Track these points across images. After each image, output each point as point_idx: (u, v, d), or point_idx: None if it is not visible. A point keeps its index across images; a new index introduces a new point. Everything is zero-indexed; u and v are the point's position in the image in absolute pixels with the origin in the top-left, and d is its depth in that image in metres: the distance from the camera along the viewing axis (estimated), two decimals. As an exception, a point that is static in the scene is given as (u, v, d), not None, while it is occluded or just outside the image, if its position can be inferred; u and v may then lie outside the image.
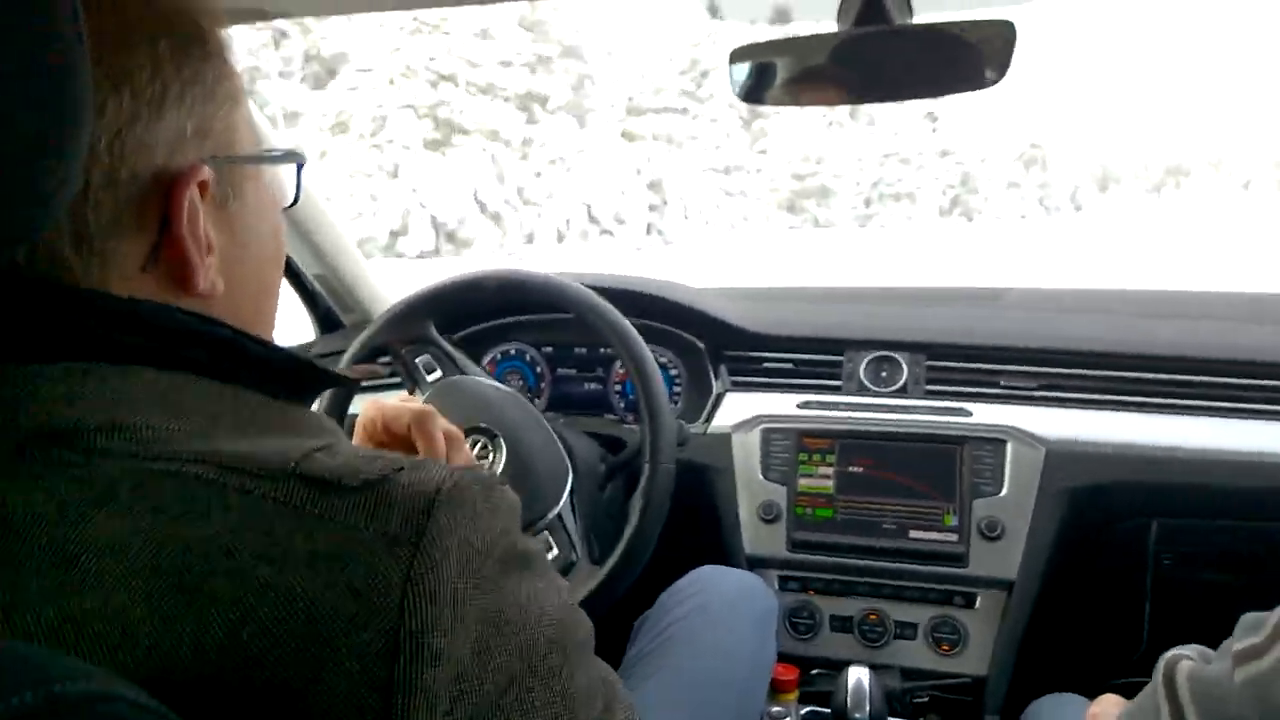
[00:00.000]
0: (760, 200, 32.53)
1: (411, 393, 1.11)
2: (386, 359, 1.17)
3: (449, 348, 1.15)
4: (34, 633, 0.35)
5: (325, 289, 1.55)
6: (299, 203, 0.59)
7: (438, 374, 1.11)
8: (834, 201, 34.76)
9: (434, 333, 1.15)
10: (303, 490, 0.39)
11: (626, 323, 1.08)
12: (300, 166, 0.57)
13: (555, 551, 1.00)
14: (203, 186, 0.44)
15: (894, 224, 34.87)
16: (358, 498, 0.39)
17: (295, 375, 0.48)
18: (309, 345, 1.59)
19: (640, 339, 1.08)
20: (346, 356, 1.15)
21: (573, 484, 1.06)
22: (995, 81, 0.86)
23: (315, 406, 1.25)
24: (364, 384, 1.44)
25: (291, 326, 1.63)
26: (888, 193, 36.38)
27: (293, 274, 1.50)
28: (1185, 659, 0.58)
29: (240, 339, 0.46)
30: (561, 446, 1.09)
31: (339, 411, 1.15)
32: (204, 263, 0.45)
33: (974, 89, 0.88)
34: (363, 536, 0.38)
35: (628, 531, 1.02)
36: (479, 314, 1.49)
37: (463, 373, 1.13)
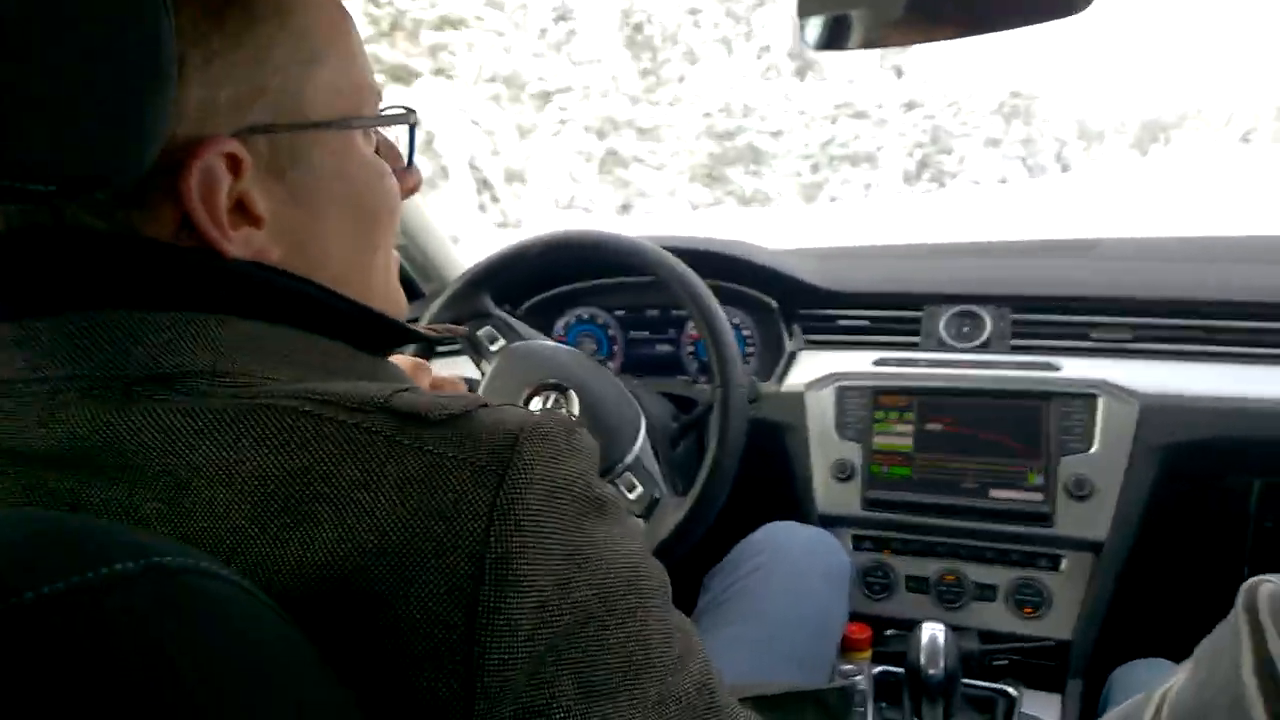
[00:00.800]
0: (666, 169, 23.39)
1: (478, 365, 1.13)
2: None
3: (507, 318, 1.17)
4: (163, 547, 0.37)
5: (405, 258, 1.58)
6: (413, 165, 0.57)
7: (500, 343, 1.13)
8: (769, 168, 25.86)
9: (491, 305, 1.17)
10: (392, 422, 0.41)
11: (693, 275, 1.07)
12: (413, 129, 0.56)
13: (639, 489, 1.02)
14: (233, 159, 0.44)
15: (848, 194, 26.23)
16: (444, 430, 0.41)
17: (378, 330, 0.50)
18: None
19: (708, 292, 1.07)
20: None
21: (646, 427, 1.07)
22: (1081, 8, 0.81)
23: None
24: (440, 350, 1.48)
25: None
26: (840, 154, 27.52)
27: None
28: (1268, 582, 0.55)
29: (328, 296, 0.47)
30: (631, 396, 1.10)
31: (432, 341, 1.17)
32: (229, 236, 0.44)
33: (1066, 14, 0.83)
34: (450, 465, 0.40)
35: (706, 461, 1.02)
36: (549, 280, 1.50)
37: (523, 339, 1.14)
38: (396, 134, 0.58)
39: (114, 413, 0.40)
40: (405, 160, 0.56)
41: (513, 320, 1.18)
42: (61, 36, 0.35)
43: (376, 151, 0.53)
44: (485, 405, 0.43)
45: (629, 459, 1.02)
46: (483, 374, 1.11)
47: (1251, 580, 0.53)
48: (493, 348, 1.13)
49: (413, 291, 1.64)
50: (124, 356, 0.42)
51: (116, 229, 0.43)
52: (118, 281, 0.43)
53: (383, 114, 0.53)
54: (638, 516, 1.01)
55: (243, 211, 0.45)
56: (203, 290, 0.44)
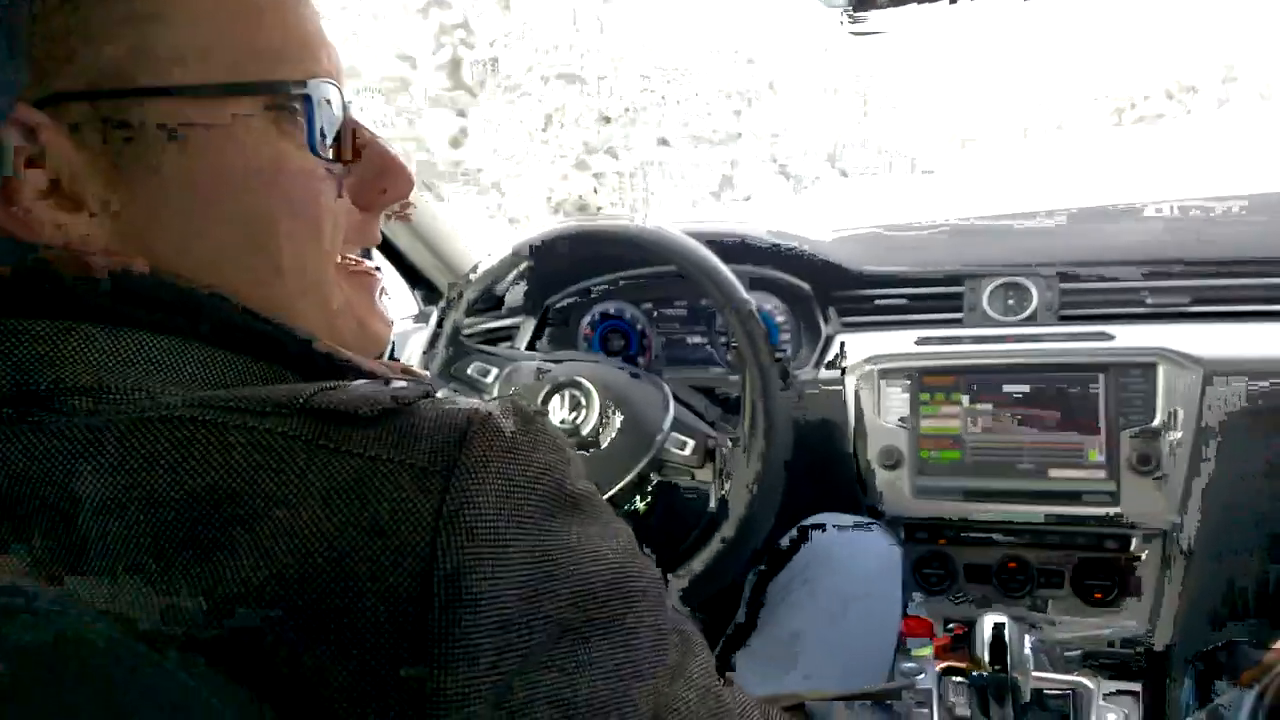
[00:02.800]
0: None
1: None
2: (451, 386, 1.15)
3: (485, 348, 1.16)
4: (41, 593, 0.33)
5: (417, 261, 1.55)
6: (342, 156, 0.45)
7: (495, 372, 1.11)
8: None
9: (466, 340, 1.15)
10: (314, 424, 0.35)
11: (714, 260, 1.02)
12: (308, 101, 0.42)
13: (690, 443, 1.00)
14: (30, 131, 0.37)
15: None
16: (378, 429, 0.35)
17: (306, 363, 0.42)
18: (405, 322, 1.60)
19: (730, 275, 1.02)
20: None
21: (675, 395, 1.05)
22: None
23: None
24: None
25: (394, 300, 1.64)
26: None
27: (387, 247, 1.51)
28: None
29: (246, 316, 0.41)
30: (649, 374, 1.09)
31: None
32: (30, 213, 0.38)
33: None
34: (385, 468, 0.34)
35: (758, 424, 0.98)
36: (572, 276, 1.46)
37: (511, 361, 1.12)
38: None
39: None
40: (391, 176, 0.47)
41: (494, 349, 1.17)
42: None
43: (338, 149, 0.45)
44: (429, 396, 0.38)
45: (667, 423, 1.01)
46: None
47: None
48: (488, 380, 1.10)
49: (434, 293, 1.60)
50: None
51: None
52: None
53: (266, 81, 0.41)
54: (699, 469, 0.99)
55: (60, 192, 0.39)
56: (88, 295, 0.38)
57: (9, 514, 0.34)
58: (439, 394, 0.39)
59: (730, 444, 1.00)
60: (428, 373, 1.10)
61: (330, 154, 0.44)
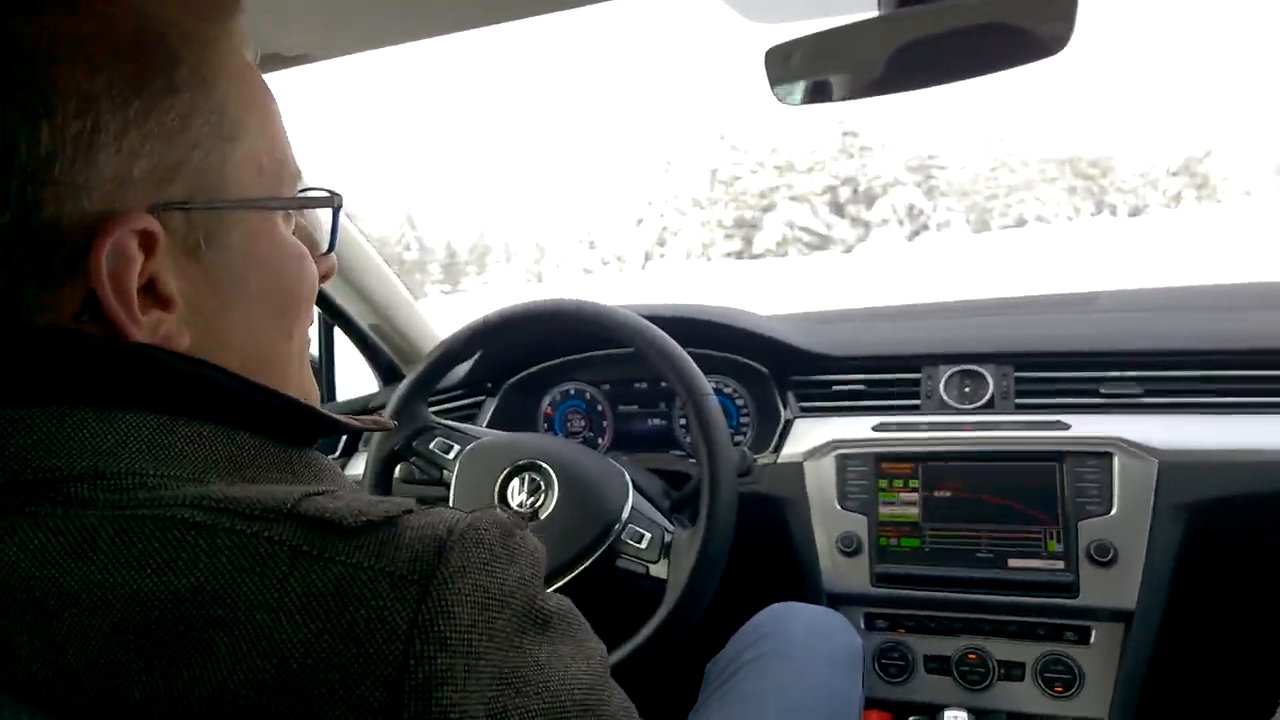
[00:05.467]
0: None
1: (439, 479, 1.08)
2: (410, 459, 1.12)
3: (453, 424, 1.13)
4: (25, 689, 0.33)
5: (382, 339, 1.54)
6: (335, 250, 0.54)
7: (455, 449, 1.08)
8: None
9: (429, 416, 1.13)
10: (299, 530, 0.35)
11: (670, 342, 1.02)
12: (336, 211, 0.51)
13: (648, 536, 0.97)
14: (148, 236, 0.39)
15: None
16: (361, 539, 0.36)
17: (292, 418, 0.44)
18: (371, 397, 1.58)
19: (685, 358, 1.01)
20: (367, 472, 1.12)
21: (633, 481, 1.03)
22: (1061, 46, 0.78)
23: (360, 468, 1.23)
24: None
25: (355, 380, 1.63)
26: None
27: (349, 327, 1.50)
28: None
29: (230, 380, 0.42)
30: (611, 460, 1.06)
31: (385, 476, 1.11)
32: (137, 321, 0.40)
33: (1039, 57, 0.80)
34: (365, 576, 0.34)
35: (701, 517, 0.96)
36: (531, 356, 1.45)
37: (474, 439, 1.10)
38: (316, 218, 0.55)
39: None
40: (325, 245, 0.53)
41: (459, 425, 1.14)
42: None
43: (295, 234, 0.50)
44: (412, 511, 0.38)
45: (625, 514, 0.98)
46: (447, 485, 1.05)
47: None
48: (449, 456, 1.08)
49: (394, 374, 1.59)
50: None
51: (4, 312, 0.38)
52: None
53: (304, 195, 0.50)
54: (654, 563, 0.96)
55: (153, 293, 0.41)
56: (80, 379, 0.38)
57: (2, 606, 0.34)
58: (424, 506, 0.40)
59: (683, 531, 0.98)
60: (394, 422, 1.08)
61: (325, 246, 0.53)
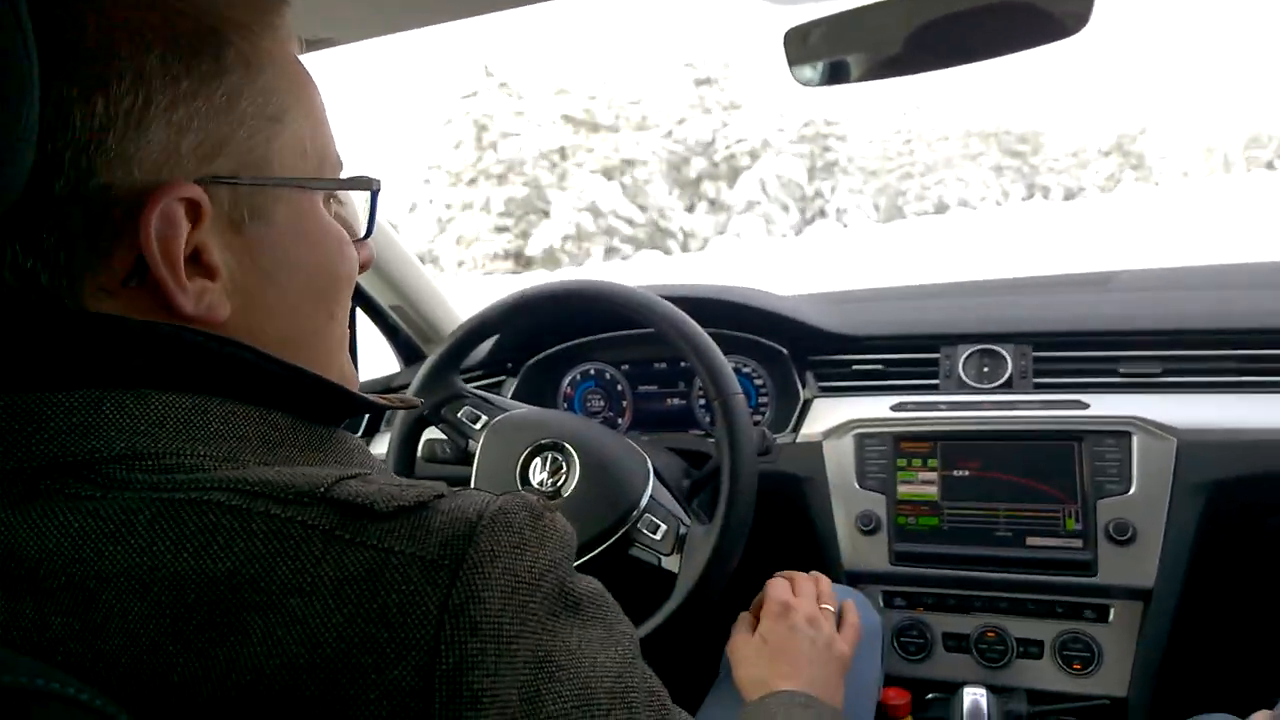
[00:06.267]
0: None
1: (464, 447, 1.09)
2: (438, 425, 1.13)
3: (484, 394, 1.14)
4: (65, 672, 0.33)
5: (403, 320, 1.55)
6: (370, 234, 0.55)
7: (484, 419, 1.09)
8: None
9: (461, 385, 1.13)
10: (332, 515, 0.36)
11: (691, 323, 1.03)
12: (374, 195, 0.53)
13: (663, 528, 0.97)
14: (194, 205, 0.41)
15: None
16: (393, 523, 0.36)
17: (324, 398, 0.46)
18: (392, 378, 1.60)
19: (706, 338, 1.01)
20: (392, 444, 1.13)
21: (654, 468, 1.02)
22: (1081, 25, 0.78)
23: (384, 445, 1.24)
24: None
25: (376, 360, 1.64)
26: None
27: (370, 307, 1.51)
28: None
29: (263, 360, 0.43)
30: (634, 445, 1.06)
31: (409, 445, 1.13)
32: (183, 286, 0.41)
33: (1059, 37, 0.80)
34: (396, 560, 0.35)
35: (720, 505, 0.96)
36: (551, 337, 1.46)
37: (503, 410, 1.11)
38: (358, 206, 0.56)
39: (13, 513, 0.36)
40: (363, 231, 0.54)
41: (490, 395, 1.14)
42: None
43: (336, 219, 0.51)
44: (443, 495, 0.39)
45: (644, 501, 0.98)
46: (471, 454, 1.06)
47: None
48: (476, 426, 1.09)
49: (414, 354, 1.60)
50: (24, 446, 0.37)
51: (26, 284, 0.39)
52: (14, 359, 0.39)
53: (345, 178, 0.51)
54: (666, 555, 0.96)
55: (198, 263, 0.42)
56: (117, 362, 0.39)
57: (34, 588, 0.35)
58: (455, 490, 0.40)
59: (699, 526, 0.98)
60: (421, 399, 1.09)
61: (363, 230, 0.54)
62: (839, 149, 31.26)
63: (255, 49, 0.44)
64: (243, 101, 0.43)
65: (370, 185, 0.52)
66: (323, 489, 0.37)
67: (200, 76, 0.41)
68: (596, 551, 0.95)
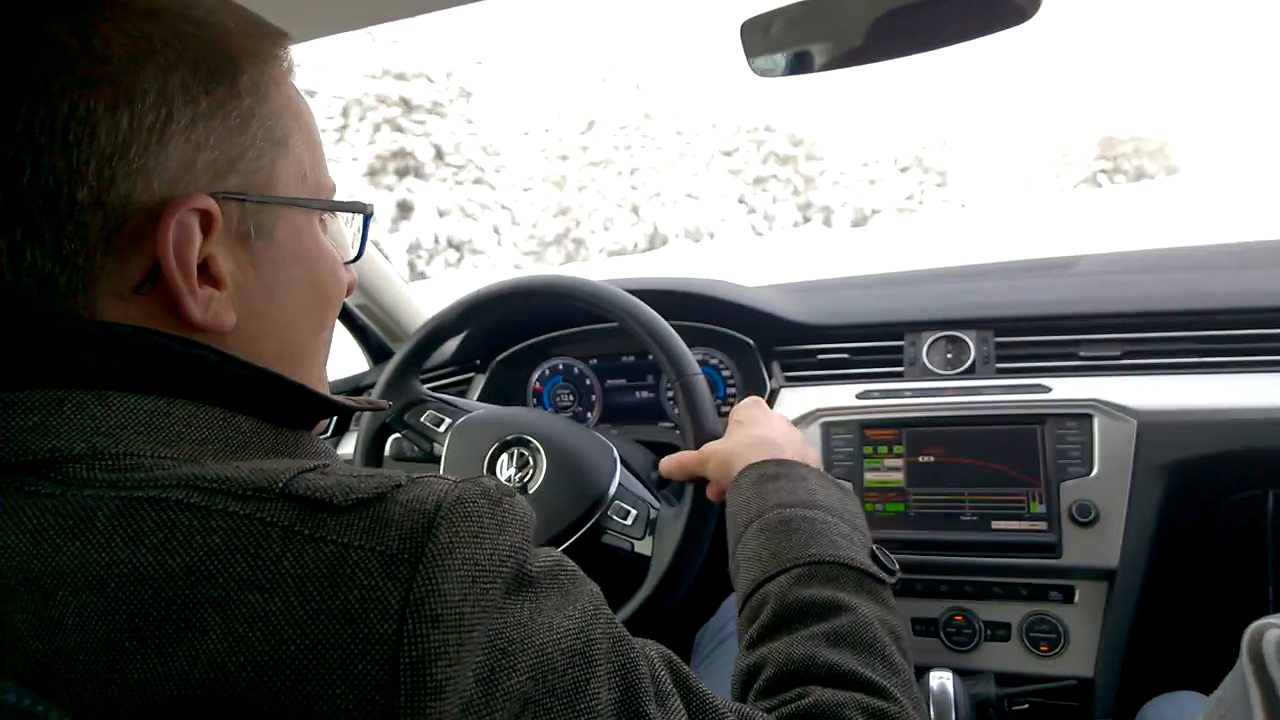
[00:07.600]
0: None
1: (430, 452, 1.08)
2: (402, 432, 1.13)
3: (446, 397, 1.14)
4: (23, 668, 0.34)
5: (371, 320, 1.54)
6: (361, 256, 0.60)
7: (447, 423, 1.09)
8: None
9: (421, 389, 1.13)
10: (291, 510, 0.37)
11: (653, 315, 1.02)
12: (367, 220, 0.57)
13: (633, 513, 0.98)
14: (207, 217, 0.43)
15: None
16: (351, 516, 0.37)
17: (289, 399, 0.47)
18: (361, 376, 1.59)
19: (668, 330, 1.01)
20: (358, 448, 1.12)
21: (621, 457, 1.03)
22: (1034, 11, 0.78)
23: (350, 446, 1.24)
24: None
25: (346, 359, 1.63)
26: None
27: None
28: (1274, 628, 0.49)
29: (225, 361, 0.44)
30: (599, 435, 1.07)
31: (376, 447, 1.12)
32: (194, 293, 0.43)
33: (1015, 23, 0.81)
34: (356, 556, 0.35)
35: (685, 498, 0.97)
36: (518, 333, 1.46)
37: (466, 412, 1.10)
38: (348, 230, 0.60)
39: None
40: (353, 254, 0.58)
41: (452, 398, 1.14)
42: None
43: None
44: (401, 485, 0.39)
45: (612, 490, 0.99)
46: (437, 459, 1.06)
47: (1255, 625, 0.48)
48: (440, 429, 1.08)
49: (384, 354, 1.59)
50: None
51: (70, 279, 0.41)
52: None
53: (342, 201, 0.55)
54: (639, 539, 0.97)
55: (206, 273, 0.45)
56: (77, 362, 0.40)
57: (1, 585, 0.35)
58: (413, 478, 0.41)
59: (669, 509, 0.99)
60: (388, 403, 1.08)
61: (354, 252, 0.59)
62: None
63: (264, 76, 0.47)
64: (253, 124, 0.46)
65: (364, 209, 0.56)
66: (280, 484, 0.37)
67: (218, 98, 0.44)
68: (569, 542, 0.95)
